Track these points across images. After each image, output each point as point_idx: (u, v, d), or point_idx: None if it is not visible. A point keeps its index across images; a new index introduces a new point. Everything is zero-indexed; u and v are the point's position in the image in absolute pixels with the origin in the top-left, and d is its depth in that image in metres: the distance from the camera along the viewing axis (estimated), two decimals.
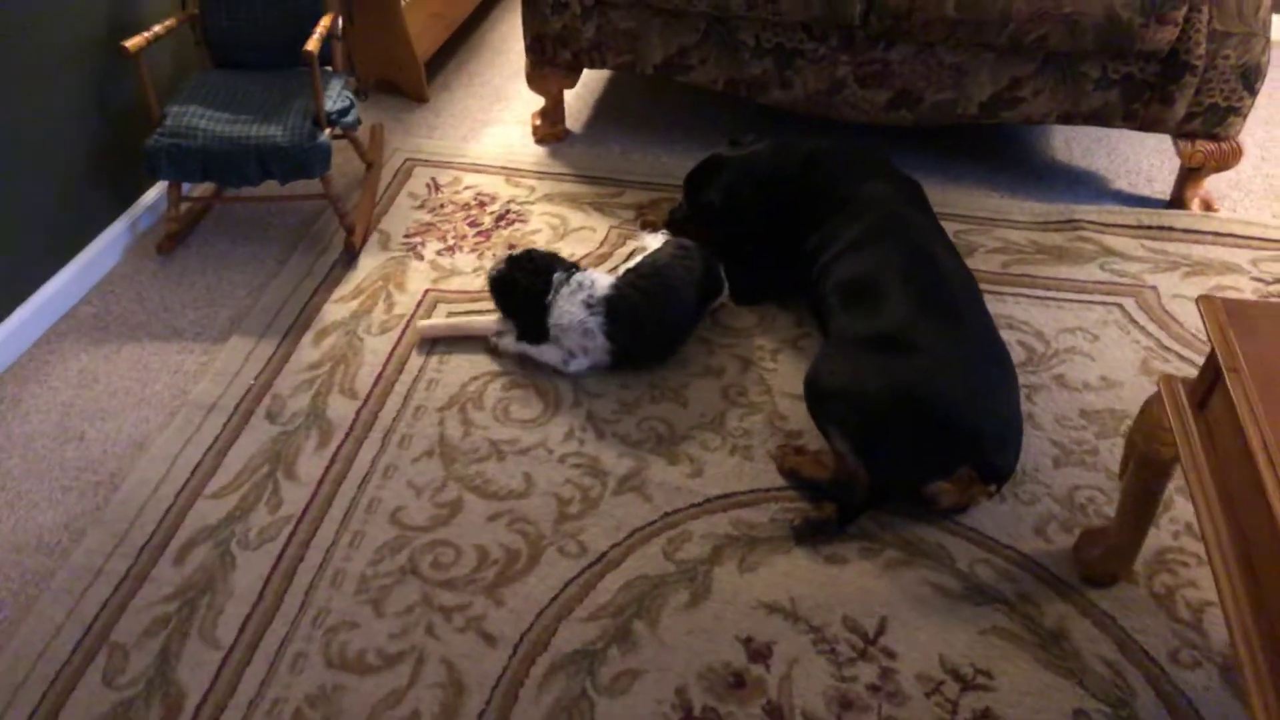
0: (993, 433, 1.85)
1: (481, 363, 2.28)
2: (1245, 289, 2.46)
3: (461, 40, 3.56)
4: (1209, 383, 1.41)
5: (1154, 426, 1.55)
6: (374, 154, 2.90)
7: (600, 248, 2.61)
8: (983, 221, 2.69)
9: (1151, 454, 1.57)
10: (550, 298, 2.19)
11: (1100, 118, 2.58)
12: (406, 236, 2.67)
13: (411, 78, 3.23)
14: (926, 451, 1.84)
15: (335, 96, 2.53)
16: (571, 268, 2.25)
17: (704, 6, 2.58)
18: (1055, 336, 2.33)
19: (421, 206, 2.78)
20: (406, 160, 2.96)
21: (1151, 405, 1.57)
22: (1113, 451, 2.05)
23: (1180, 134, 2.55)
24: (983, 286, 2.43)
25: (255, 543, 1.90)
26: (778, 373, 2.25)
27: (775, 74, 2.69)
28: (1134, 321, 2.37)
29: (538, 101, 3.07)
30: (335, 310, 2.45)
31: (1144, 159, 2.92)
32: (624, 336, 2.19)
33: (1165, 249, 2.58)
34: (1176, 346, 2.29)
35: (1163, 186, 2.82)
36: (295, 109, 2.47)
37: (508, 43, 3.61)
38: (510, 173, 2.90)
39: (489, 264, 2.56)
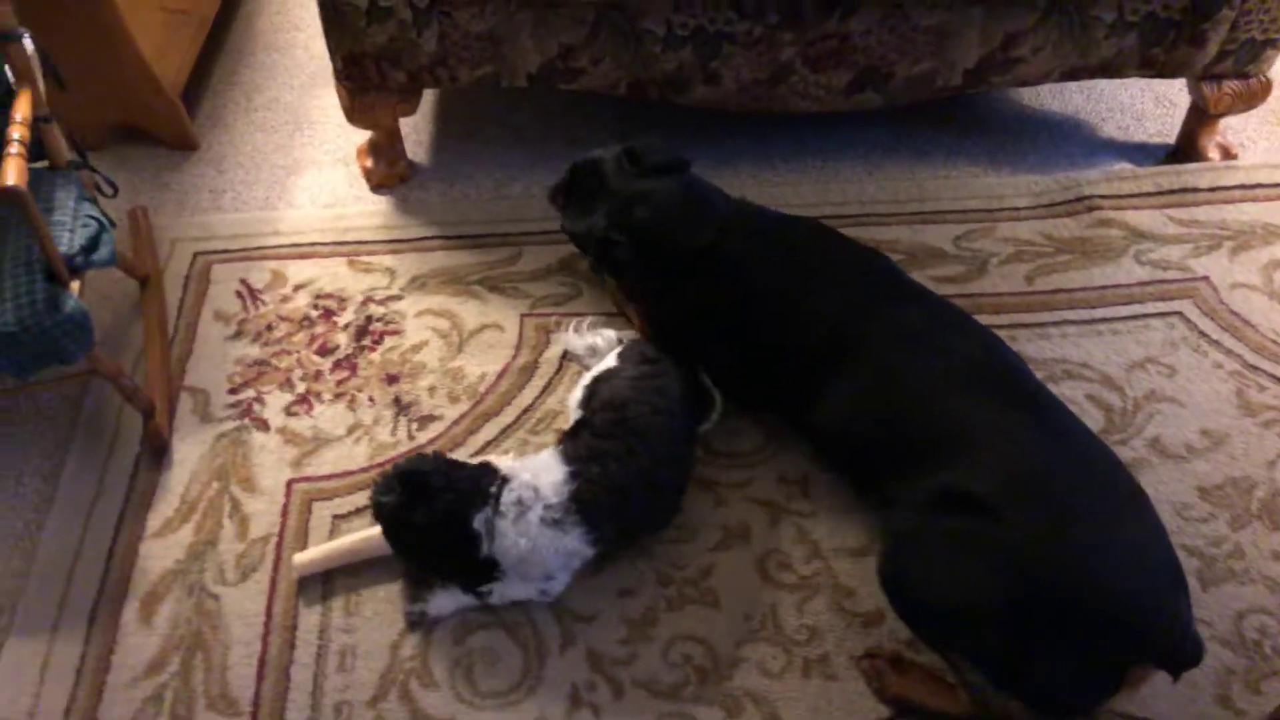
0: (1170, 609, 1.34)
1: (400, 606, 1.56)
2: None
3: (217, 39, 2.56)
4: None
5: None
6: (145, 261, 1.99)
7: (517, 357, 1.88)
8: (979, 215, 2.13)
9: None
10: (482, 526, 1.45)
11: (1112, 69, 2.03)
12: (233, 392, 1.84)
13: (165, 117, 2.26)
14: (1092, 659, 1.32)
15: (71, 223, 1.62)
16: (487, 473, 1.50)
17: None
18: (1127, 380, 1.84)
19: (240, 334, 1.93)
20: (196, 256, 2.06)
21: None
22: (1257, 545, 1.62)
23: (1205, 76, 2.05)
24: (1016, 318, 1.94)
25: None
26: (818, 518, 1.66)
27: (697, 67, 1.97)
28: (1204, 335, 1.91)
29: (360, 129, 2.21)
30: (160, 553, 1.63)
31: (1123, 93, 2.42)
32: (614, 530, 1.53)
33: (1196, 218, 2.12)
34: (1265, 364, 1.85)
35: (1156, 126, 2.34)
36: (10, 260, 1.56)
37: (285, 31, 2.63)
38: (352, 251, 2.07)
39: (374, 436, 1.79)
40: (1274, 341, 1.90)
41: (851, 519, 1.65)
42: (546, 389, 1.83)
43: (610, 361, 1.70)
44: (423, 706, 1.46)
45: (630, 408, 1.58)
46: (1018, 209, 2.14)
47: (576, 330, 1.87)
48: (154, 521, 1.67)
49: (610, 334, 1.83)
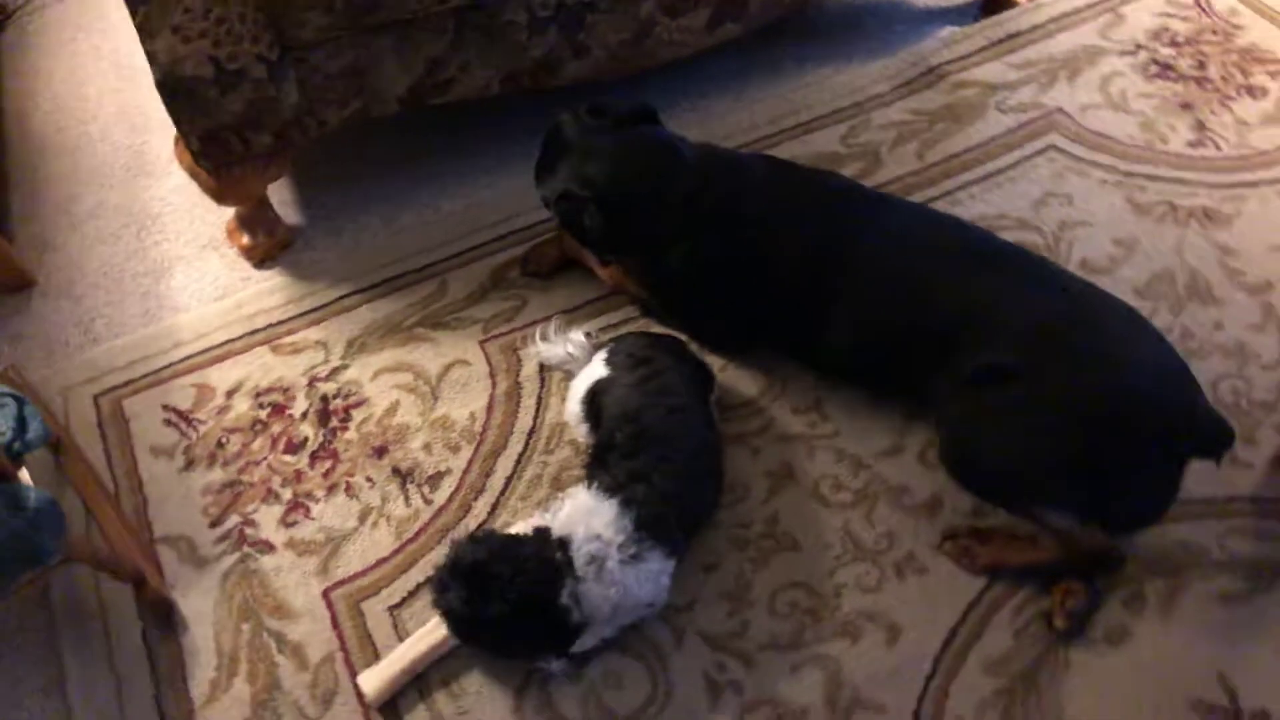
0: (1202, 402, 1.49)
1: (504, 666, 1.50)
2: (1123, 68, 2.28)
3: None
4: None
5: None
6: (51, 424, 1.75)
7: (496, 385, 1.81)
8: (852, 111, 2.22)
9: None
10: (570, 600, 1.38)
11: None
12: (215, 525, 1.67)
13: None
14: (1158, 465, 1.46)
15: None
16: (545, 540, 1.42)
17: None
18: (1039, 219, 2.01)
19: (191, 463, 1.74)
20: (97, 398, 1.83)
21: None
22: (1198, 321, 1.83)
23: None
24: (926, 194, 2.08)
25: None
26: (845, 435, 1.72)
27: (565, 44, 1.92)
28: (1079, 159, 2.10)
29: (210, 203, 2.02)
30: (221, 719, 1.48)
31: None
32: (684, 535, 1.53)
33: (1028, 58, 2.31)
34: (1136, 167, 2.08)
35: None
36: None
37: (70, 128, 2.30)
38: (269, 335, 1.90)
39: (388, 512, 1.68)
40: (1135, 146, 2.12)
41: (874, 424, 1.72)
42: (540, 405, 1.78)
43: (600, 370, 1.64)
44: None
45: (645, 416, 1.54)
46: (882, 94, 2.25)
47: (544, 338, 1.82)
48: (198, 690, 1.51)
49: (579, 336, 1.79)
